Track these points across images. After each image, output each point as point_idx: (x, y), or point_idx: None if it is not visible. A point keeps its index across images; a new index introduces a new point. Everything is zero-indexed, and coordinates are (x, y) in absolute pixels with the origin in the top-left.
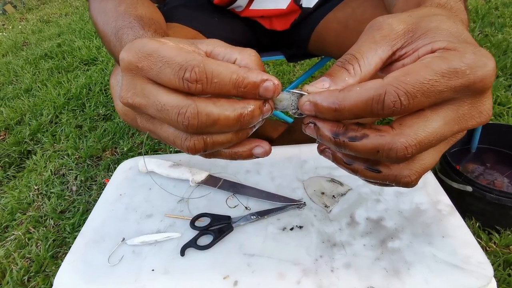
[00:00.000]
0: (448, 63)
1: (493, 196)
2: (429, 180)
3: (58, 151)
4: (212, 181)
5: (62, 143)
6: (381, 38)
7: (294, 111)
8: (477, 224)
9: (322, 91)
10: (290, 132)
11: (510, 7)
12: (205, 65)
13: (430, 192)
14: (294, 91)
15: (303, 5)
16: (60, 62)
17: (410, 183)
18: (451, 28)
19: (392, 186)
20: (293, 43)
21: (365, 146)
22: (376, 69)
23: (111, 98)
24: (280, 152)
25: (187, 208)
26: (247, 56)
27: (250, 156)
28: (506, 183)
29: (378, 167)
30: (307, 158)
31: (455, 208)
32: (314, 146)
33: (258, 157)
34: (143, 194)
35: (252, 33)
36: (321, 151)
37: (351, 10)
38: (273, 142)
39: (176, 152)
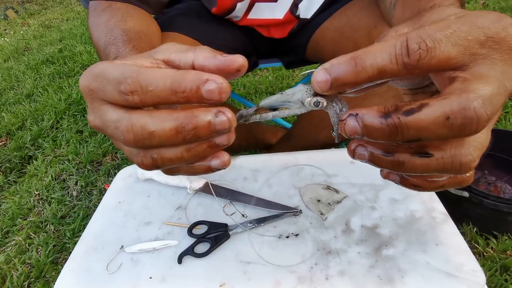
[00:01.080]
0: (466, 18)
1: (490, 201)
2: None
3: (59, 156)
4: (209, 188)
5: (63, 148)
6: (390, 38)
7: (312, 100)
8: (474, 229)
9: (336, 58)
10: (288, 138)
11: (508, 12)
12: (139, 75)
13: (425, 199)
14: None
15: (301, 16)
16: (61, 67)
17: (471, 166)
18: (453, 10)
19: (443, 184)
20: (291, 50)
21: (430, 116)
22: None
23: None
24: (277, 159)
25: (185, 216)
26: (200, 54)
27: (208, 170)
28: (503, 188)
29: (428, 150)
30: (304, 165)
31: (449, 216)
32: (311, 153)
33: (218, 169)
34: (141, 202)
35: (250, 40)
36: (353, 153)
37: (346, 18)
38: (272, 147)
39: None
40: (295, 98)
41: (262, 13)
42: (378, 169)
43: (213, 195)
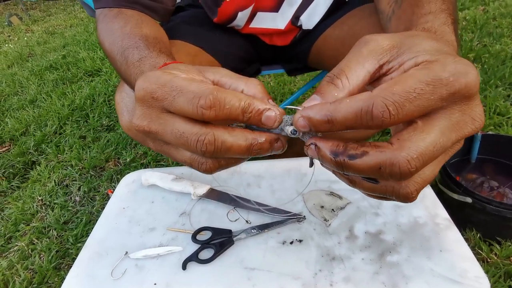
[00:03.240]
0: (431, 72)
1: (493, 207)
2: (428, 194)
3: (62, 161)
4: (213, 194)
5: (66, 153)
6: (368, 52)
7: (290, 129)
8: (478, 235)
9: (313, 105)
10: (291, 145)
11: (508, 18)
12: (218, 93)
13: (428, 205)
14: (289, 107)
15: (303, 27)
16: (64, 73)
17: (409, 197)
18: (432, 44)
19: (392, 199)
20: (293, 58)
21: (366, 164)
22: (364, 82)
23: (115, 108)
24: (280, 165)
25: (189, 222)
26: (253, 86)
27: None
28: (506, 194)
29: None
30: (307, 171)
31: (452, 222)
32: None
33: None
34: (145, 207)
35: (253, 47)
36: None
37: (347, 27)
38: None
39: (179, 165)
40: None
41: (264, 22)
42: None
43: (217, 201)
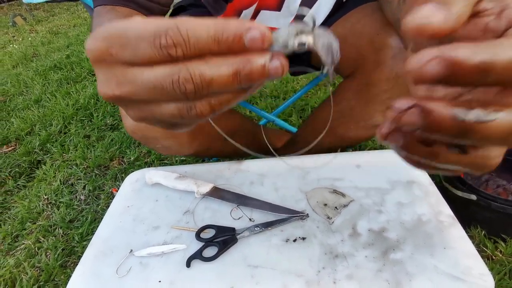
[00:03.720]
0: None
1: (498, 204)
2: (431, 191)
3: (67, 161)
4: (217, 192)
5: (71, 153)
6: None
7: (296, 41)
8: (483, 232)
9: (456, 44)
10: (293, 144)
11: None
12: (179, 26)
13: (432, 203)
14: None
15: None
16: (69, 73)
17: (494, 166)
18: None
19: (466, 171)
20: (296, 58)
21: (500, 126)
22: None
23: (118, 107)
24: (283, 163)
25: (193, 220)
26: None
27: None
28: (510, 191)
29: (467, 148)
30: (310, 169)
31: (456, 219)
32: (317, 157)
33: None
34: (150, 206)
35: None
36: (386, 136)
37: (350, 25)
38: (277, 151)
39: (183, 164)
40: (277, 47)
41: (268, 21)
42: (384, 173)
43: (220, 199)
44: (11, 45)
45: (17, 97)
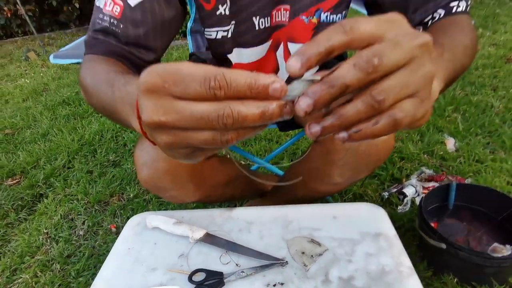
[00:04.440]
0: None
1: (465, 254)
2: (395, 243)
3: (69, 195)
4: (209, 238)
5: (73, 187)
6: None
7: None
8: (455, 279)
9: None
10: (279, 191)
11: (489, 68)
12: (224, 74)
13: (395, 254)
14: (305, 78)
15: None
16: (76, 108)
17: (424, 121)
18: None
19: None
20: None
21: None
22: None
23: (121, 144)
24: (269, 212)
25: (187, 263)
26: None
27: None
28: (481, 240)
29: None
30: (293, 218)
31: (414, 270)
32: (299, 207)
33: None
34: (149, 248)
35: None
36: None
37: None
38: (266, 194)
39: (179, 209)
40: (292, 96)
41: None
42: (356, 225)
43: (211, 244)
44: (22, 79)
45: (25, 130)
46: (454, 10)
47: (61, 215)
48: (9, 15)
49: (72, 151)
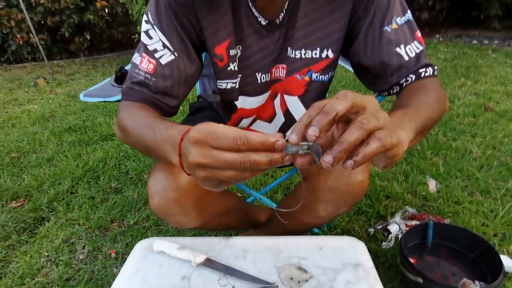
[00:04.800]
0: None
1: None
2: (372, 273)
3: (71, 220)
4: (209, 263)
5: (75, 212)
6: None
7: (302, 152)
8: None
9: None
10: (271, 222)
11: (469, 116)
12: (246, 135)
13: (371, 283)
14: (303, 143)
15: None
16: (82, 135)
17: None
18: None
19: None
20: None
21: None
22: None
23: (124, 172)
24: (262, 242)
25: (188, 285)
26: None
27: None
28: (456, 276)
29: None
30: (283, 248)
31: None
32: (289, 238)
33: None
34: (154, 271)
35: None
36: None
37: None
38: (261, 225)
39: (182, 235)
40: (291, 151)
41: (260, 128)
42: (339, 256)
43: (211, 268)
44: (31, 104)
45: (31, 154)
46: (422, 75)
47: (62, 239)
48: (21, 42)
49: (76, 177)
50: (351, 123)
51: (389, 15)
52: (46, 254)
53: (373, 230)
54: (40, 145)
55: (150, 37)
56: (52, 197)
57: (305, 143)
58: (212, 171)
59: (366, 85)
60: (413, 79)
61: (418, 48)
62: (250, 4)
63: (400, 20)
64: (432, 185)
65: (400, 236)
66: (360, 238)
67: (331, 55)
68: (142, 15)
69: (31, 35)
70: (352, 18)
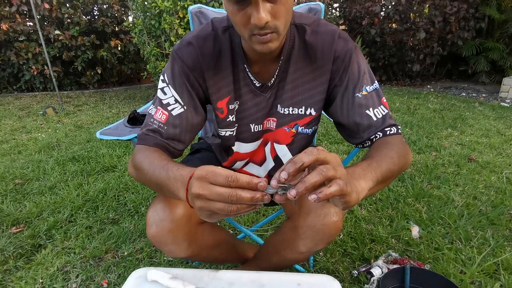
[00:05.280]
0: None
1: None
2: None
3: (67, 248)
4: None
5: (71, 241)
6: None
7: (280, 192)
8: None
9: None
10: (258, 258)
11: (454, 166)
12: (237, 176)
13: None
14: (281, 185)
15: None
16: (85, 165)
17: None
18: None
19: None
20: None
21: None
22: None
23: (122, 203)
24: (247, 276)
25: None
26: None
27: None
28: None
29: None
30: (266, 282)
31: None
32: (272, 274)
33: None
34: None
35: None
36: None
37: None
38: (248, 261)
39: (169, 262)
40: (271, 190)
41: (252, 170)
42: None
43: None
44: (38, 133)
45: (34, 182)
46: (388, 133)
47: (57, 266)
48: (35, 73)
49: (76, 206)
50: (314, 169)
51: (359, 85)
52: (40, 281)
53: (357, 273)
54: (44, 173)
55: (165, 93)
56: (51, 225)
57: (282, 185)
58: (206, 201)
59: (344, 138)
60: (380, 136)
61: (384, 111)
62: (247, 70)
63: (369, 88)
64: (415, 230)
65: None
66: (344, 279)
67: (313, 113)
68: (153, 55)
69: (45, 67)
70: (330, 85)
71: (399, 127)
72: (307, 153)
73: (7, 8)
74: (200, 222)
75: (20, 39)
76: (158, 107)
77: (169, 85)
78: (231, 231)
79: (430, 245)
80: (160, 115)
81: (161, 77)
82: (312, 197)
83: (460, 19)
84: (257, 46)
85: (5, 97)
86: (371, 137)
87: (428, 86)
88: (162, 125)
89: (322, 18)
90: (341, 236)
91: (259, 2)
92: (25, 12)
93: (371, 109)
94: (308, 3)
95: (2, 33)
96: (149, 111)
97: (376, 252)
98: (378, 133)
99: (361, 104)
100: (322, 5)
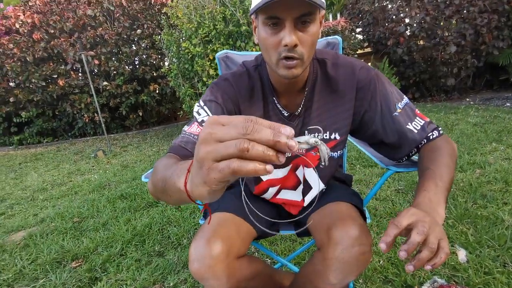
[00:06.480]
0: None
1: None
2: None
3: (119, 280)
4: None
5: (123, 273)
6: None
7: (311, 142)
8: None
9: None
10: (294, 287)
11: (501, 182)
12: (255, 123)
13: None
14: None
15: (304, 204)
16: (132, 202)
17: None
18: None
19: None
20: (301, 223)
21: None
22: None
23: (166, 237)
24: None
25: None
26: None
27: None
28: None
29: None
30: None
31: None
32: None
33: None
34: None
35: (276, 211)
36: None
37: (329, 212)
38: None
39: None
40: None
41: (286, 195)
42: None
43: None
44: (91, 174)
45: (89, 219)
46: (431, 138)
47: None
48: (87, 120)
49: (126, 240)
50: (425, 246)
51: (392, 104)
52: None
53: None
54: (97, 211)
55: (199, 114)
56: (105, 259)
57: (313, 138)
58: (215, 145)
59: (385, 156)
60: (426, 141)
61: (421, 122)
62: (276, 101)
63: (401, 104)
64: (462, 254)
65: None
66: None
67: (338, 137)
68: (187, 95)
69: (95, 114)
70: (356, 112)
71: (440, 128)
72: (419, 233)
73: (63, 67)
74: (238, 256)
75: (74, 92)
76: (192, 124)
77: (205, 107)
78: (268, 261)
79: (479, 269)
80: (194, 129)
81: (196, 104)
82: (427, 267)
83: (493, 29)
84: (282, 71)
85: (62, 143)
86: (418, 145)
87: (467, 99)
88: (196, 136)
89: (340, 51)
90: (381, 262)
91: (292, 26)
92: (78, 68)
93: (409, 123)
94: (326, 37)
95: (59, 88)
96: (184, 129)
97: (420, 278)
98: (423, 140)
99: (400, 122)
100: (340, 39)
